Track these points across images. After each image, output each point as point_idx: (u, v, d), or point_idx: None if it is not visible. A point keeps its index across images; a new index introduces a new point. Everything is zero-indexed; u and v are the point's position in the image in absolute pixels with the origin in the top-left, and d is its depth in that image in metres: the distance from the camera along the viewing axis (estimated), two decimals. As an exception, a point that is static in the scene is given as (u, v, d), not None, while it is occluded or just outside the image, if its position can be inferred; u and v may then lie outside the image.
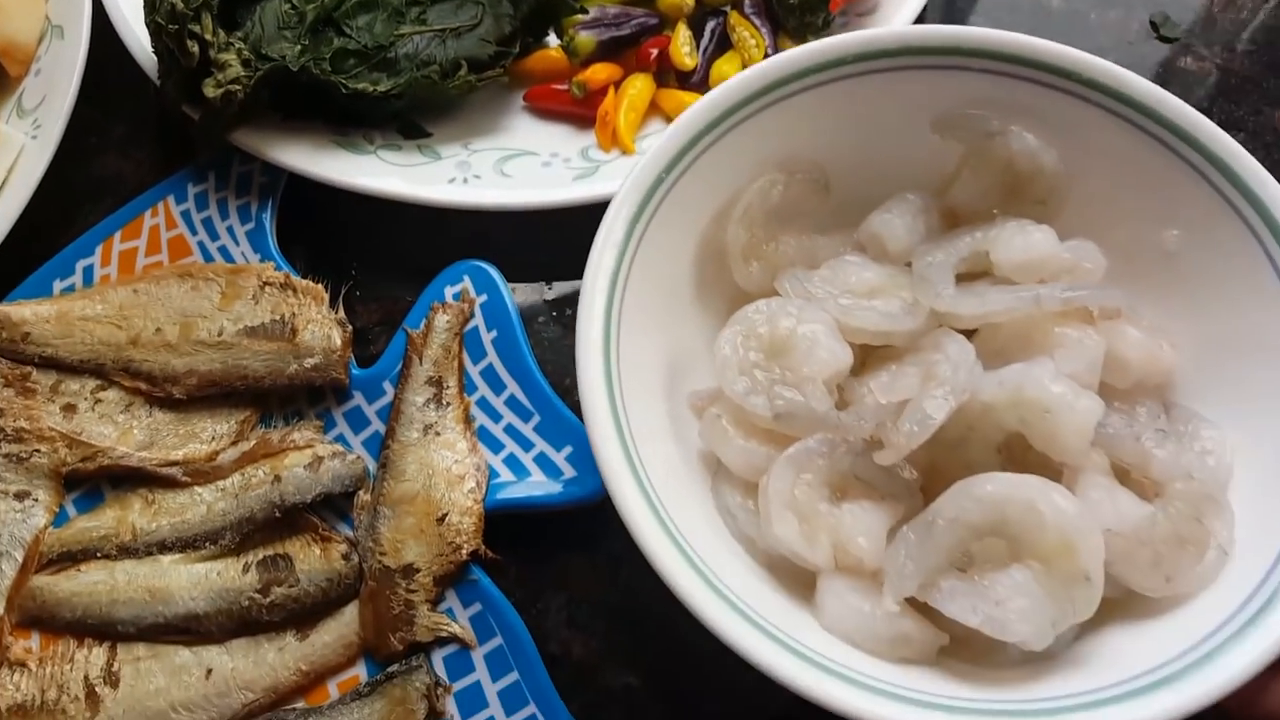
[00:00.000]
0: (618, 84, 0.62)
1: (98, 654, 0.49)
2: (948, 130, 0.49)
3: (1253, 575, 0.38)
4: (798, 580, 0.43)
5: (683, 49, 0.61)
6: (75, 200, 0.63)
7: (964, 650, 0.41)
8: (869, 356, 0.47)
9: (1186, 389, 0.46)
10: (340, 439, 0.54)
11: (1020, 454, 0.42)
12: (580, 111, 0.62)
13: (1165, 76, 0.65)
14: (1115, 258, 0.46)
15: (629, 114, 0.60)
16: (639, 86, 0.61)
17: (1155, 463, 0.42)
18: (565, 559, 0.52)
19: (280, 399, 0.55)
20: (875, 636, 0.40)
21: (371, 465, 0.53)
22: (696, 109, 0.46)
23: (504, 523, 0.51)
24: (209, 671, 0.48)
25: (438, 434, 0.53)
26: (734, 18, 0.63)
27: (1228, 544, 0.40)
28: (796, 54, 0.48)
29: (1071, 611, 0.38)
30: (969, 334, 0.45)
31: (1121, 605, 0.41)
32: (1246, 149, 0.61)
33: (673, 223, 0.47)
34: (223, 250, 0.59)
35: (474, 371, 0.55)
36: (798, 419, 0.43)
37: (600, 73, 0.61)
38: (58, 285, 0.58)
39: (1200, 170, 0.45)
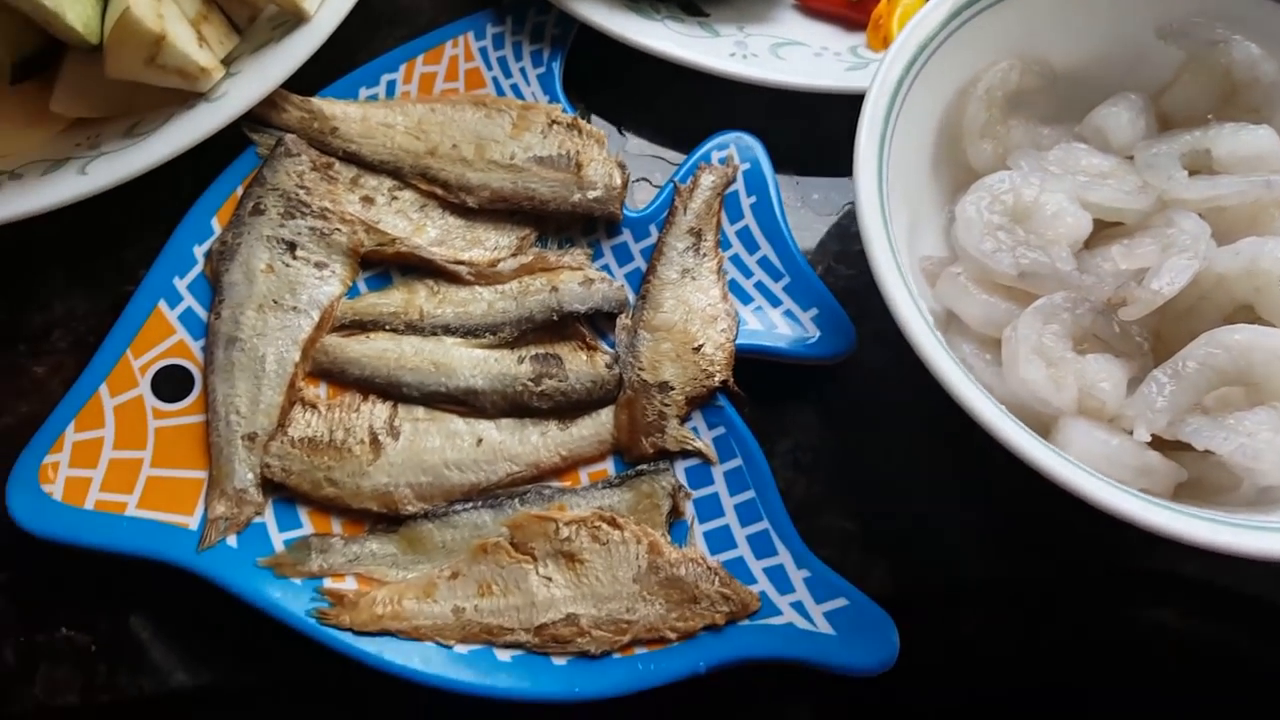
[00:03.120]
0: (890, -7, 0.65)
1: (381, 409, 0.53)
2: (1173, 36, 0.53)
3: None
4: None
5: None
6: (375, 24, 0.67)
7: (1195, 490, 0.44)
8: (1092, 236, 0.51)
9: None
10: (605, 268, 0.58)
11: (1246, 326, 0.46)
12: (849, 14, 0.65)
13: None
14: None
15: (903, 19, 0.63)
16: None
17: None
18: (795, 410, 0.56)
19: (557, 225, 0.59)
20: (1122, 466, 0.43)
21: (631, 297, 0.57)
22: None
23: (743, 370, 0.54)
24: (480, 440, 0.52)
25: (694, 278, 0.56)
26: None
27: None
28: None
29: None
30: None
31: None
32: None
33: (926, 91, 0.51)
34: (514, 88, 0.63)
35: (730, 231, 0.58)
36: (1042, 277, 0.47)
37: (878, -19, 0.65)
38: (363, 92, 0.62)
39: None
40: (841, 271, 0.59)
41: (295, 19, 0.60)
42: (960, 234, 0.50)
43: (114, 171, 0.54)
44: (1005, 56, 0.54)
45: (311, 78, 0.60)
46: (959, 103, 0.54)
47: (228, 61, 0.59)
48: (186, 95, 0.58)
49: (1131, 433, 0.45)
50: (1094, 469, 0.42)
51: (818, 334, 0.54)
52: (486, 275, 0.56)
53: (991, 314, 0.48)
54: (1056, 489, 0.41)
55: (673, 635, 0.47)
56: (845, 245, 0.60)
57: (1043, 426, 0.45)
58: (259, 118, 0.59)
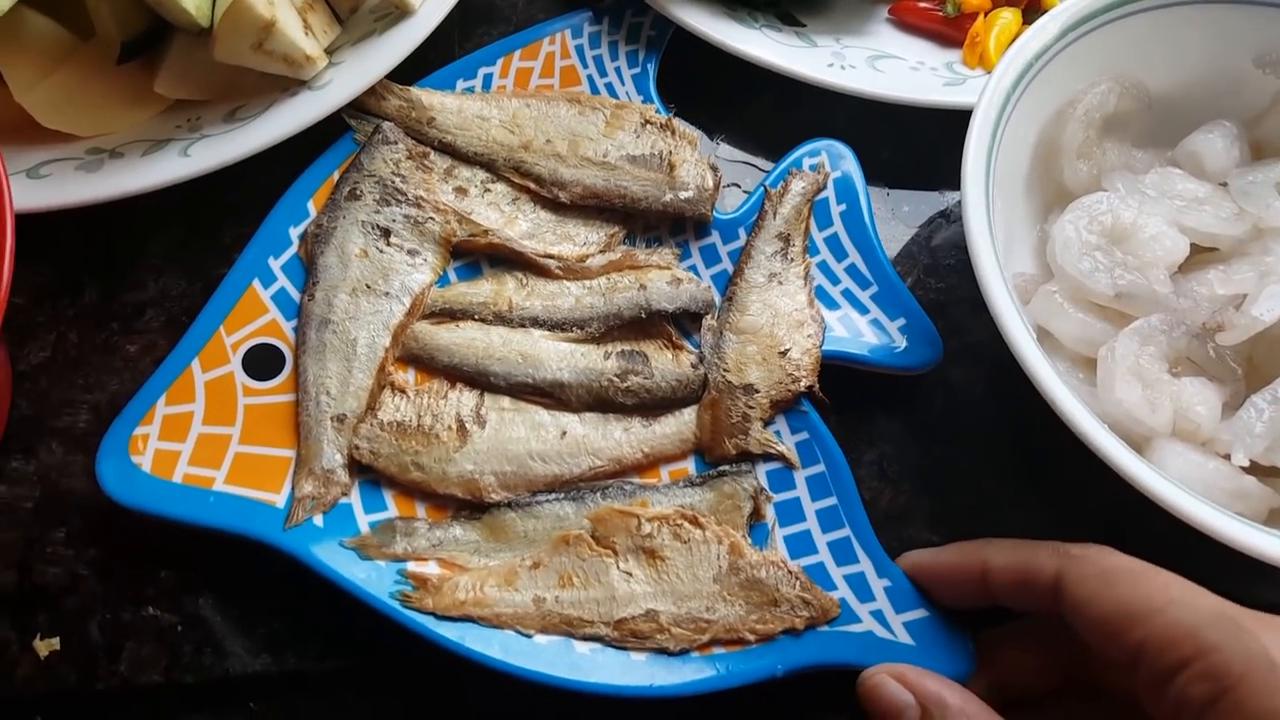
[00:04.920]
0: (985, 12, 0.65)
1: (468, 397, 0.53)
2: (1270, 65, 0.53)
3: None
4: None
5: (1055, -8, 0.64)
6: (471, 21, 0.67)
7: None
8: (1185, 260, 0.50)
9: None
10: (692, 269, 0.57)
11: (1341, 358, 0.45)
12: (945, 30, 0.65)
13: None
14: None
15: (1000, 38, 0.62)
16: (1010, 18, 0.63)
17: None
18: (882, 422, 0.55)
19: (645, 224, 0.58)
20: (1217, 489, 0.43)
21: (717, 298, 0.56)
22: (1061, 8, 0.51)
23: (829, 378, 0.53)
24: (564, 433, 0.52)
25: (780, 283, 0.56)
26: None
27: None
28: None
29: None
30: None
31: None
32: None
33: (1029, 112, 0.51)
34: (609, 87, 0.63)
35: (818, 237, 0.58)
36: (1139, 299, 0.47)
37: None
38: (460, 84, 0.63)
39: None
40: (931, 285, 0.58)
41: (398, 12, 0.60)
42: (1057, 252, 0.49)
43: (217, 155, 0.55)
44: (1103, 78, 0.54)
45: (404, 69, 0.59)
46: (1057, 122, 0.54)
47: (330, 51, 0.60)
48: (287, 82, 0.58)
49: (1226, 456, 0.44)
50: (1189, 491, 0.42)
51: (905, 343, 0.54)
52: (575, 270, 0.56)
53: (1086, 333, 0.48)
54: (1147, 510, 0.40)
55: (752, 637, 0.46)
56: (935, 259, 0.59)
57: (1134, 447, 0.44)
58: (358, 105, 0.59)
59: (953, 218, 0.61)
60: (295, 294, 0.55)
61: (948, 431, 0.54)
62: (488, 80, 0.63)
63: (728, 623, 0.47)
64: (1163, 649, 0.36)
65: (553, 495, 0.51)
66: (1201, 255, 0.51)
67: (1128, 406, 0.45)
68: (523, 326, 0.55)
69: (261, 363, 0.53)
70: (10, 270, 0.42)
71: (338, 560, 0.48)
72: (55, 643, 0.49)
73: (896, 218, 0.61)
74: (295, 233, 0.57)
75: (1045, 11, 0.62)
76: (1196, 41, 0.54)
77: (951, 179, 0.61)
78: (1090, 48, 0.53)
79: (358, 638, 0.49)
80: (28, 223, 0.52)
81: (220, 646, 0.49)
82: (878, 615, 0.47)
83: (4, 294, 0.41)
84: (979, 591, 0.44)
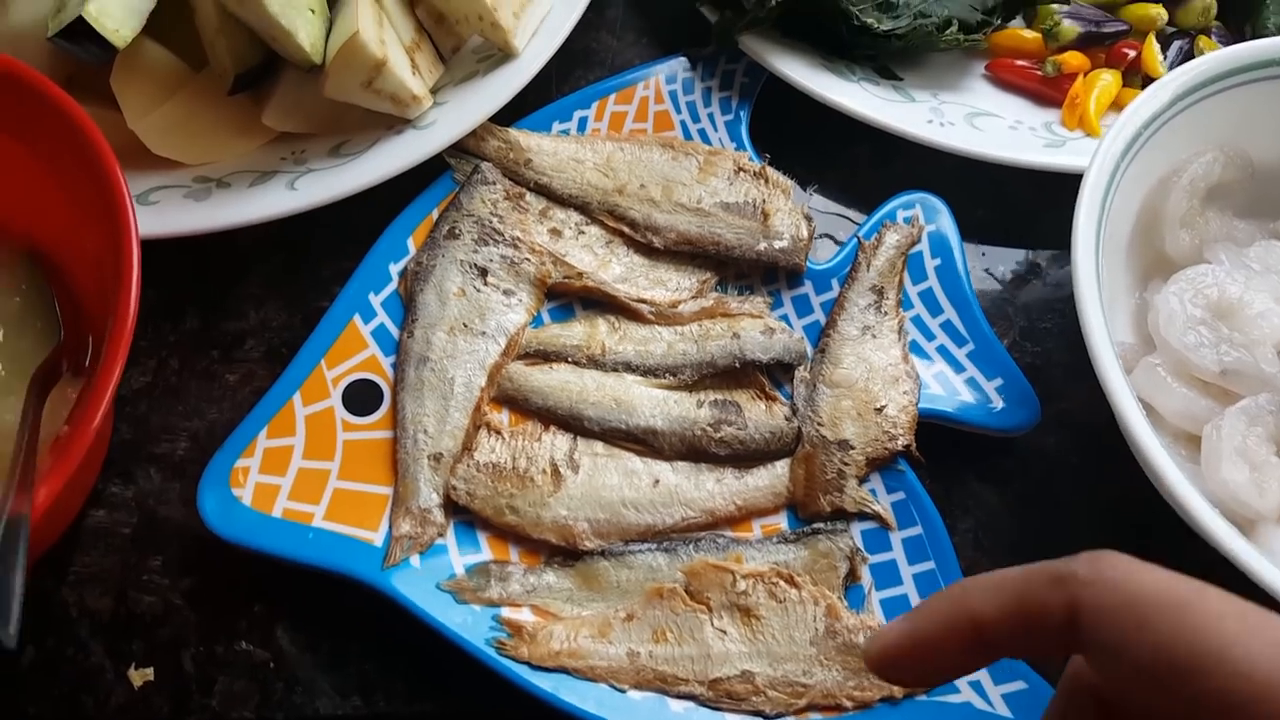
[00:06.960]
0: (1085, 73, 0.62)
1: (562, 441, 0.51)
2: None
3: None
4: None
5: (1158, 58, 0.61)
6: (569, 65, 0.66)
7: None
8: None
9: None
10: (784, 318, 0.55)
11: None
12: (1042, 90, 0.62)
13: None
14: None
15: (1100, 100, 0.60)
16: (1110, 80, 0.61)
17: None
18: (977, 489, 0.52)
19: (737, 271, 0.57)
20: None
21: (809, 350, 0.54)
22: (1173, 76, 0.50)
23: (924, 437, 0.51)
24: (656, 481, 0.50)
25: (874, 336, 0.54)
26: (1203, 41, 0.62)
27: None
28: (1259, 45, 0.51)
29: None
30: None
31: None
32: None
33: (1135, 179, 0.49)
34: (701, 133, 0.61)
35: (912, 291, 0.55)
36: (1245, 377, 0.44)
37: (1074, 59, 0.61)
38: (556, 126, 0.61)
39: None
40: (1027, 348, 0.56)
41: (501, 54, 0.59)
42: (1161, 325, 0.47)
43: (324, 190, 0.53)
44: (1208, 147, 0.51)
45: (502, 110, 0.58)
46: (1160, 190, 0.51)
47: (434, 90, 0.58)
48: (391, 119, 0.57)
49: None
50: None
51: (1002, 404, 0.51)
52: (667, 316, 0.54)
53: (1190, 409, 0.46)
54: (1247, 591, 0.37)
55: (849, 704, 0.44)
56: (1031, 321, 0.57)
57: (1239, 529, 0.41)
58: (458, 144, 0.57)
59: (1048, 280, 0.58)
60: (394, 330, 0.53)
61: (1044, 502, 0.52)
62: (583, 123, 0.61)
63: (825, 688, 0.44)
64: (1227, 713, 0.26)
65: (645, 545, 0.49)
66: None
67: (1234, 488, 0.42)
68: (615, 371, 0.53)
69: (360, 398, 0.52)
70: (137, 299, 0.40)
71: (434, 604, 0.46)
72: (149, 673, 0.47)
73: (992, 277, 0.59)
74: (395, 269, 0.55)
75: (1143, 73, 0.60)
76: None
77: (1047, 239, 0.58)
78: (1197, 117, 0.51)
79: (443, 681, 0.47)
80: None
81: (311, 686, 0.47)
82: (976, 686, 0.45)
83: (130, 326, 0.40)
84: (978, 652, 0.31)
